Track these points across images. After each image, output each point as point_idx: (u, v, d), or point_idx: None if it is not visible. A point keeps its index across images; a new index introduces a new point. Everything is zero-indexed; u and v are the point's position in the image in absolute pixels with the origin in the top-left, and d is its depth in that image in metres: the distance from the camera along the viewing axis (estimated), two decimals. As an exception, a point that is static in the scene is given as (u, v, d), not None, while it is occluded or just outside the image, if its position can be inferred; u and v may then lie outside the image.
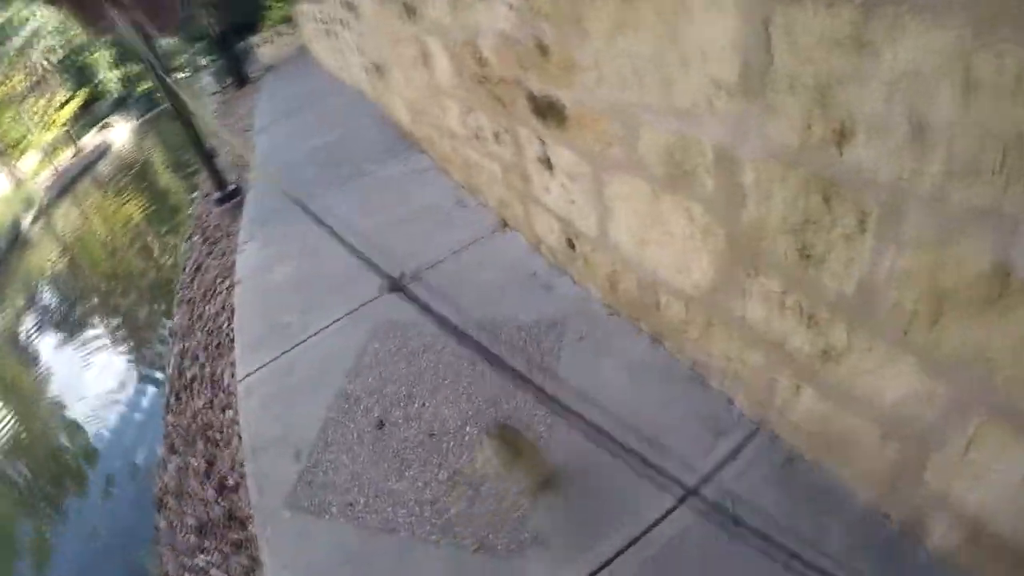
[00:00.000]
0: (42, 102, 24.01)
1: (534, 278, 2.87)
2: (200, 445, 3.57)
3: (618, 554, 1.78)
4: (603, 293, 2.56)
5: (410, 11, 3.42)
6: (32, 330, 8.49)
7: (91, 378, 6.32)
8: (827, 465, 1.74)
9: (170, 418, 4.09)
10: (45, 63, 24.54)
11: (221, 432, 3.46)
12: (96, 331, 7.59)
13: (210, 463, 3.35)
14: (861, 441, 1.49)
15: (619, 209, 2.11)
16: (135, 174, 16.68)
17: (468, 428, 2.30)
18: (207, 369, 4.20)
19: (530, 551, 1.87)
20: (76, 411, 5.80)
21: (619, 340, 2.42)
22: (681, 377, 2.20)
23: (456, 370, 2.55)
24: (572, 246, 2.61)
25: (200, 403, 3.92)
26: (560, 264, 2.84)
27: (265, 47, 15.76)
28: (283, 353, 3.21)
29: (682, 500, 1.84)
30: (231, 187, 6.54)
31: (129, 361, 6.53)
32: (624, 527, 1.83)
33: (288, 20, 14.74)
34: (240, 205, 6.15)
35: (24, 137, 22.42)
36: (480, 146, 3.21)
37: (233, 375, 3.49)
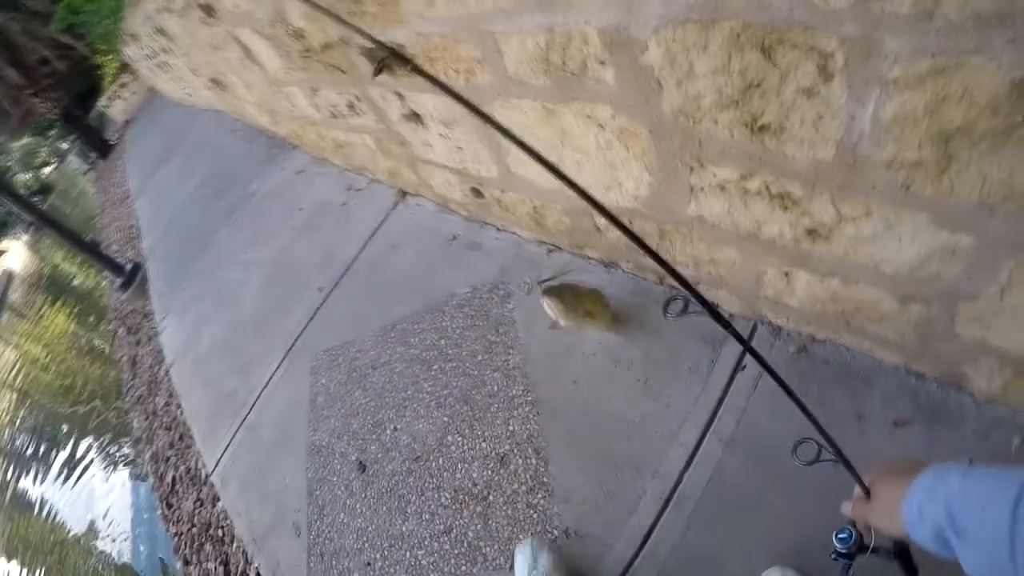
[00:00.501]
0: None
1: (456, 241, 2.52)
2: (208, 548, 3.29)
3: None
4: (532, 232, 2.22)
5: (209, 11, 2.92)
6: (12, 477, 8.06)
7: (85, 507, 6.01)
8: (843, 342, 1.55)
9: (171, 528, 3.78)
10: None
11: (221, 527, 3.19)
12: (73, 458, 7.17)
13: (225, 563, 3.09)
14: (878, 309, 1.30)
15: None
16: (47, 288, 15.67)
17: (449, 437, 2.02)
18: (181, 467, 3.88)
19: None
20: (85, 546, 5.50)
21: (569, 277, 2.11)
22: (653, 297, 1.91)
23: (413, 377, 2.24)
24: (480, 194, 2.25)
25: (190, 504, 3.61)
26: (477, 216, 2.49)
27: (115, 104, 14.44)
28: (240, 425, 2.89)
29: (701, 438, 1.62)
30: (128, 267, 5.98)
31: (114, 479, 6.17)
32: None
33: (126, 68, 13.43)
34: (144, 281, 5.65)
35: None
36: (342, 123, 2.77)
37: (205, 466, 3.18)
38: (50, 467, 7.37)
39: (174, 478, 3.85)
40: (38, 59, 13.25)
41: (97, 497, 5.98)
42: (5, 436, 9.81)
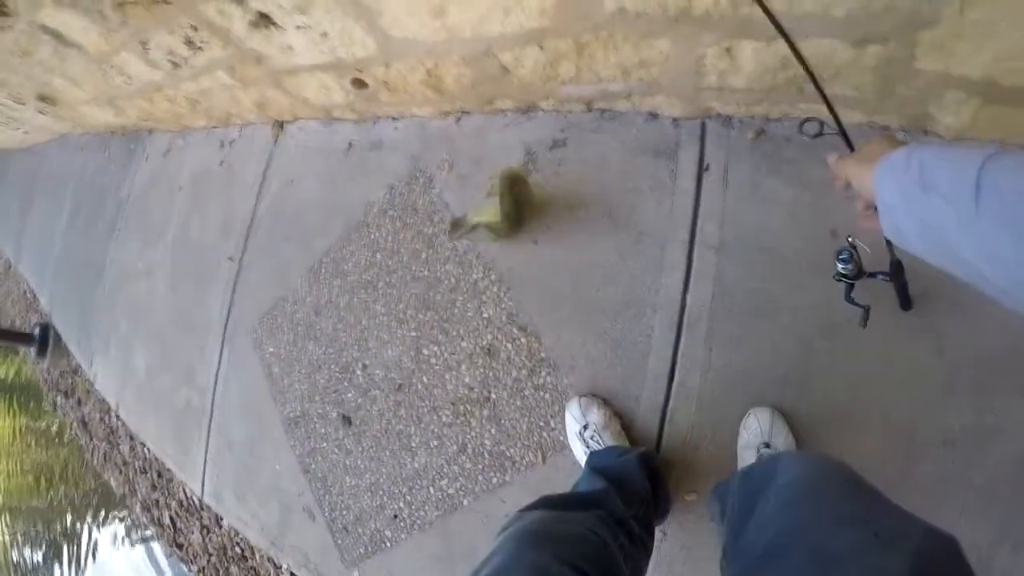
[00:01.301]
0: None
1: (353, 149, 2.19)
2: (235, 570, 3.10)
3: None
4: (432, 105, 1.92)
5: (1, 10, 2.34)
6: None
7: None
8: (800, 114, 1.40)
9: (192, 567, 3.56)
10: None
11: (237, 545, 2.98)
12: (79, 548, 6.81)
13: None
14: (832, 63, 1.18)
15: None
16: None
17: (425, 351, 1.80)
18: (173, 503, 3.62)
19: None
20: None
21: (485, 139, 1.84)
22: (586, 127, 1.67)
23: (363, 305, 1.98)
24: (363, 83, 1.91)
25: (197, 535, 3.38)
26: (367, 114, 2.15)
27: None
28: (208, 434, 2.62)
29: (690, 255, 1.46)
30: (36, 331, 5.40)
31: (124, 547, 5.86)
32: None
33: None
34: (57, 339, 5.12)
35: None
36: (187, 71, 2.33)
37: (193, 491, 2.94)
38: (62, 568, 7.06)
39: (171, 517, 3.60)
40: None
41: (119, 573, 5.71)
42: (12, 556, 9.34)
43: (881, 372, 1.25)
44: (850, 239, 1.02)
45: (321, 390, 2.06)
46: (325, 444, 2.04)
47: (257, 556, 2.74)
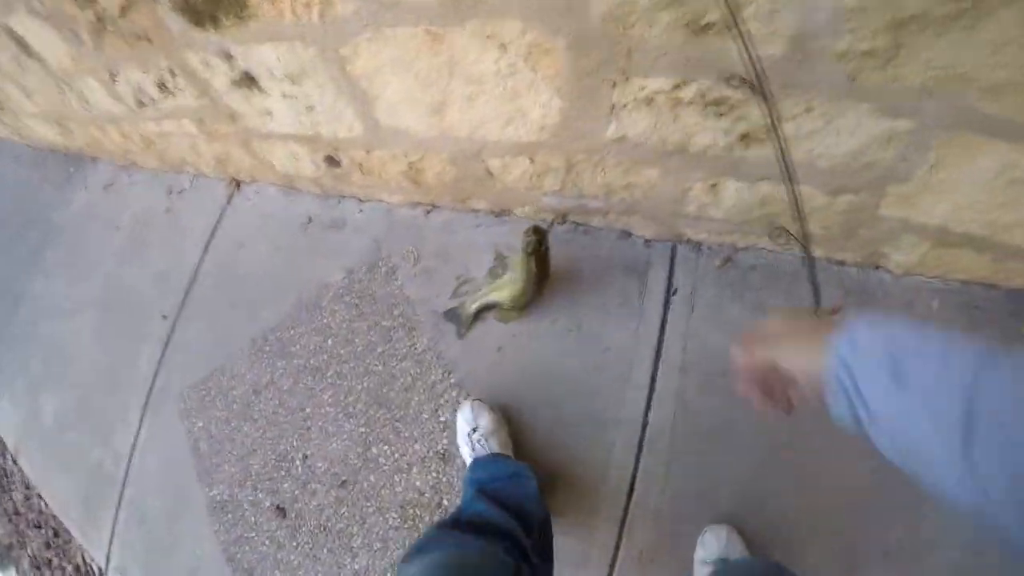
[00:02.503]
0: None
1: (313, 224, 2.12)
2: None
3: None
4: (405, 195, 1.88)
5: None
6: None
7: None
8: (765, 246, 1.51)
9: None
10: None
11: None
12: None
13: None
14: (808, 205, 1.27)
15: (383, 84, 1.41)
16: None
17: (374, 449, 1.71)
18: (68, 567, 3.28)
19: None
20: None
21: (455, 235, 1.82)
22: (561, 238, 1.68)
23: (308, 392, 1.88)
24: (335, 163, 1.86)
25: (93, 604, 3.05)
26: (333, 191, 2.09)
27: None
28: (119, 502, 2.40)
29: (654, 374, 1.49)
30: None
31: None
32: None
33: None
34: (-42, 364, 4.66)
35: None
36: (153, 111, 2.21)
37: (95, 560, 2.66)
38: None
39: (64, 580, 3.27)
40: None
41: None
42: None
43: (829, 487, 1.31)
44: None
45: (254, 476, 1.92)
46: (255, 534, 1.90)
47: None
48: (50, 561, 3.35)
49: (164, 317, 2.45)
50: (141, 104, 2.21)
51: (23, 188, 4.60)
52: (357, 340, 1.81)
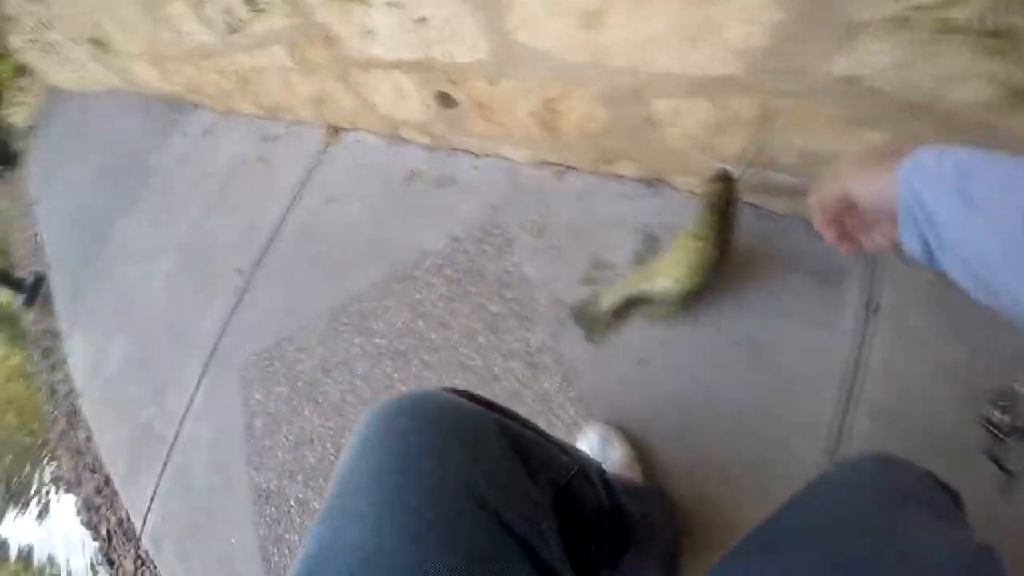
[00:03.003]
0: None
1: (417, 179, 1.78)
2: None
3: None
4: (532, 148, 1.51)
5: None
6: None
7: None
8: None
9: None
10: None
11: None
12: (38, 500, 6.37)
13: None
14: None
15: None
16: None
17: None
18: (113, 518, 3.14)
19: None
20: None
21: (592, 207, 1.42)
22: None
23: (386, 380, 1.53)
24: (450, 101, 1.51)
25: (130, 564, 2.89)
26: (444, 141, 1.74)
27: (17, 112, 12.80)
28: (164, 468, 2.17)
29: (846, 409, 1.00)
30: (29, 280, 5.05)
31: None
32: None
33: (23, 70, 11.78)
34: (48, 295, 4.75)
35: None
36: (243, 39, 1.96)
37: (134, 522, 2.48)
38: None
39: (109, 531, 3.14)
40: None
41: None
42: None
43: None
44: (1016, 384, 0.88)
45: (307, 470, 1.60)
46: (297, 538, 1.58)
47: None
48: (99, 508, 3.23)
49: (238, 271, 2.20)
50: (231, 29, 1.96)
51: (128, 134, 4.63)
52: (454, 325, 1.45)
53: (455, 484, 0.50)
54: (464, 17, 1.20)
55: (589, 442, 1.16)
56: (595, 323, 1.27)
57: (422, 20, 1.28)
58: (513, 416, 0.65)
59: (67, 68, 6.62)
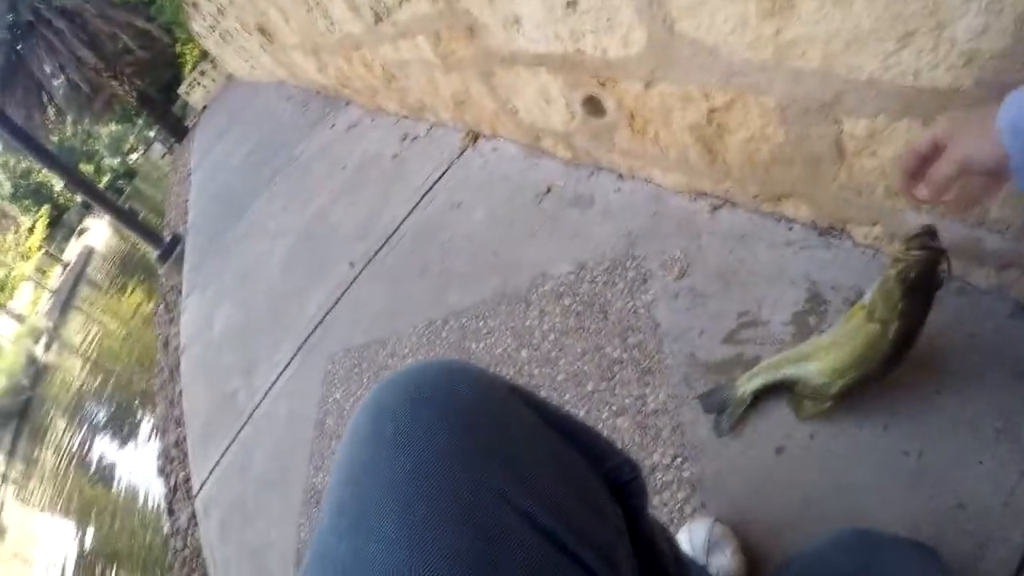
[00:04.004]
0: (10, 237, 23.67)
1: (551, 196, 1.63)
2: (197, 578, 2.56)
3: None
4: (689, 175, 1.31)
5: None
6: (82, 450, 7.93)
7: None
8: None
9: (177, 541, 3.10)
10: None
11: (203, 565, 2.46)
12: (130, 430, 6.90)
13: None
14: None
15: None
16: (121, 263, 16.09)
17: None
18: (181, 473, 3.21)
19: None
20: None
21: (749, 251, 1.19)
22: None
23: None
24: (598, 108, 1.36)
25: (184, 520, 2.91)
26: (586, 156, 1.59)
27: (195, 92, 14.50)
28: (233, 439, 2.14)
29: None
30: (167, 239, 5.49)
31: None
32: None
33: (205, 56, 13.39)
34: (181, 255, 5.11)
35: (8, 276, 22.17)
36: (389, 28, 1.95)
37: (192, 485, 2.47)
38: (105, 438, 7.24)
39: (175, 484, 3.22)
40: (121, 47, 13.47)
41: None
42: (76, 405, 9.83)
43: None
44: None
45: (368, 485, 1.45)
46: (340, 556, 1.41)
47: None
48: (174, 459, 3.33)
49: (351, 265, 2.16)
50: (378, 18, 1.94)
51: (283, 123, 4.96)
52: (562, 363, 1.25)
53: (505, 506, 0.38)
54: (619, 1, 1.03)
55: (692, 538, 0.92)
56: (729, 410, 1.02)
57: (573, 3, 1.13)
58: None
59: (241, 57, 7.32)
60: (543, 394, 1.24)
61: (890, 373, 0.86)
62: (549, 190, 1.61)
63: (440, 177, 2.06)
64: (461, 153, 2.06)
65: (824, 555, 0.62)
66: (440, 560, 0.35)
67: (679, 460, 1.04)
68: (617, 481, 0.51)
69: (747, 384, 1.00)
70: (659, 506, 1.03)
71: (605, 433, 1.14)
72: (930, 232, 0.76)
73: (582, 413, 1.18)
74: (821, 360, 0.90)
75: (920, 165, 0.59)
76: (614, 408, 1.15)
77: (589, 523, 0.43)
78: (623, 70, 1.18)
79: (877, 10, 0.70)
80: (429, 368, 0.46)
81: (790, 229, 1.18)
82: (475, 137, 2.04)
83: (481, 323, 1.47)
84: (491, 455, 0.41)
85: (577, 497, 0.44)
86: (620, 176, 1.50)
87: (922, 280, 0.77)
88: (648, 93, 1.18)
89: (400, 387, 0.44)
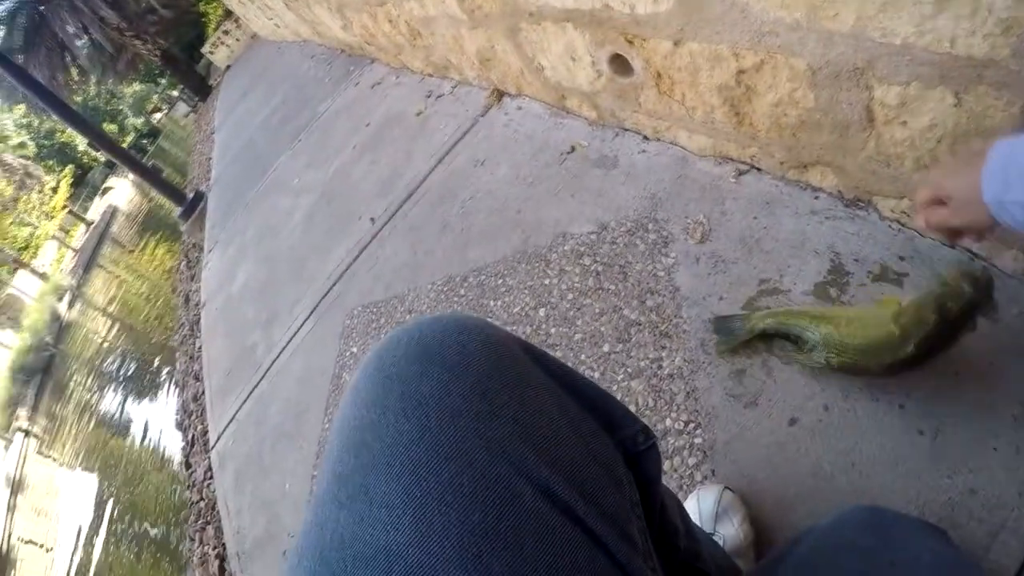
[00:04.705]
0: (35, 196, 24.03)
1: (574, 155, 1.60)
2: (211, 531, 2.65)
3: None
4: (715, 137, 1.27)
5: None
6: (101, 403, 8.26)
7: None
8: None
9: (193, 494, 3.19)
10: (22, 160, 24.49)
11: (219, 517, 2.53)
12: (152, 384, 7.10)
13: (221, 558, 2.43)
14: None
15: None
16: (144, 222, 16.30)
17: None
18: (199, 427, 3.28)
19: None
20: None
21: (773, 218, 1.16)
22: (935, 268, 0.94)
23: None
24: (625, 67, 1.32)
25: (201, 473, 2.98)
26: (611, 117, 1.55)
27: (218, 51, 14.43)
28: (250, 393, 2.18)
29: None
30: (190, 196, 5.52)
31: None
32: None
33: (229, 15, 13.31)
34: (204, 212, 5.15)
35: (32, 235, 22.56)
36: None
37: (209, 438, 2.53)
38: (126, 393, 7.45)
39: (193, 437, 3.30)
40: (145, 6, 13.42)
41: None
42: (98, 361, 10.10)
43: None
44: None
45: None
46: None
47: (225, 547, 2.25)
48: (191, 413, 3.41)
49: (372, 220, 2.15)
50: None
51: (306, 81, 4.91)
52: (579, 323, 1.24)
53: (518, 474, 0.36)
54: None
55: (701, 505, 0.92)
56: (732, 337, 1.02)
57: None
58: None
59: (265, 16, 7.23)
60: (559, 354, 1.24)
61: (883, 377, 0.85)
62: (573, 149, 1.58)
63: (464, 135, 2.03)
64: (486, 111, 2.02)
65: (838, 531, 0.61)
66: (447, 533, 0.33)
67: (692, 426, 1.03)
68: (633, 450, 0.49)
69: (762, 321, 0.99)
70: (669, 471, 1.03)
71: (619, 396, 1.14)
72: (987, 279, 0.76)
73: (597, 374, 1.17)
74: (833, 329, 0.88)
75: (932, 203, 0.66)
76: (629, 370, 1.14)
77: (606, 495, 0.40)
78: (652, 27, 1.14)
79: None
80: (437, 324, 0.43)
81: (816, 198, 1.14)
82: (500, 95, 2.00)
83: (500, 280, 1.46)
84: (505, 420, 0.38)
85: (592, 465, 0.42)
86: (645, 138, 1.46)
87: (958, 318, 0.77)
88: (677, 52, 1.14)
89: (407, 345, 0.41)
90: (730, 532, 0.89)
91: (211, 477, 2.60)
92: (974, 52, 0.68)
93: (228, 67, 13.83)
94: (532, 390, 0.42)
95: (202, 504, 2.68)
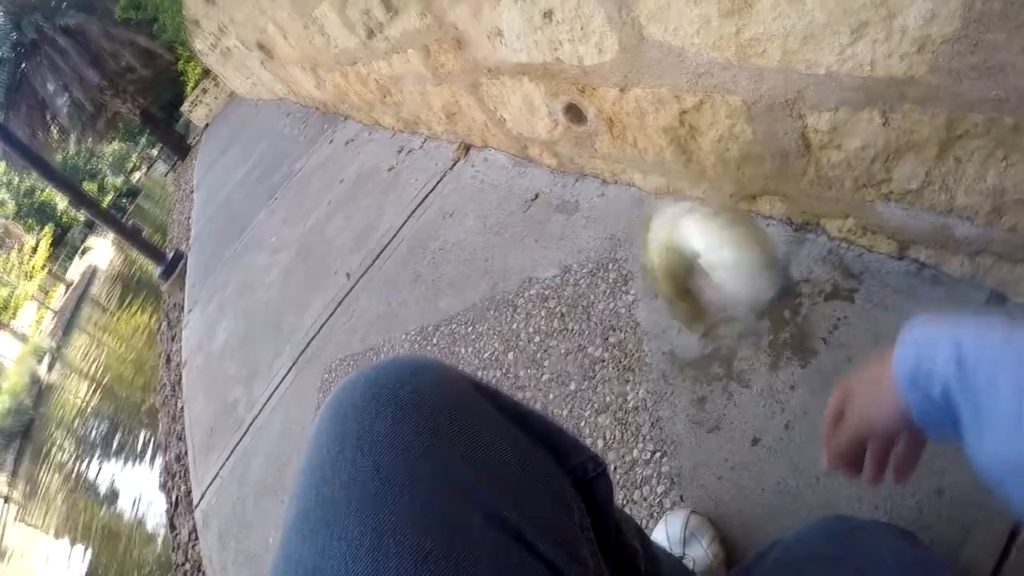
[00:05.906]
0: (14, 255, 23.84)
1: (537, 202, 1.68)
2: (197, 597, 2.59)
3: None
4: (667, 176, 1.35)
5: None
6: (83, 467, 8.15)
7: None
8: None
9: (179, 556, 3.12)
10: (1, 219, 24.40)
11: (205, 577, 2.48)
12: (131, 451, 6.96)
13: None
14: None
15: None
16: (124, 282, 16.19)
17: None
18: (183, 487, 3.24)
19: None
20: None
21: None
22: (888, 281, 1.02)
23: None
24: (579, 116, 1.41)
25: (186, 534, 2.93)
26: (570, 163, 1.64)
27: (197, 110, 14.64)
28: (233, 449, 2.17)
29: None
30: (170, 255, 5.54)
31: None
32: None
33: (207, 74, 13.56)
34: (184, 271, 5.16)
35: (12, 295, 22.29)
36: (381, 43, 2.01)
37: (193, 496, 2.50)
38: (108, 456, 7.30)
39: (177, 498, 3.24)
40: (124, 65, 13.66)
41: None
42: (79, 424, 9.89)
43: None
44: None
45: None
46: (336, 558, 1.45)
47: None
48: (175, 474, 3.36)
49: (347, 276, 2.21)
50: (371, 33, 2.01)
51: (283, 138, 5.04)
52: (546, 364, 1.30)
53: (468, 503, 0.39)
54: (592, 9, 1.08)
55: (669, 530, 0.95)
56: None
57: (549, 14, 1.19)
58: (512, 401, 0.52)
59: (242, 75, 7.43)
60: (528, 395, 1.29)
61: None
62: (536, 197, 1.66)
63: (434, 188, 2.11)
64: (454, 164, 2.11)
65: (804, 540, 0.63)
66: (403, 561, 0.35)
67: (658, 455, 1.08)
68: (583, 477, 0.51)
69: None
70: (639, 500, 1.06)
71: (587, 431, 1.18)
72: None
73: (565, 412, 1.22)
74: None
75: (834, 430, 0.52)
76: (596, 406, 1.18)
77: (553, 519, 0.42)
78: (599, 76, 1.23)
79: (829, 4, 0.74)
80: (392, 366, 0.46)
81: (768, 226, 1.22)
82: (467, 148, 2.09)
83: (470, 328, 1.51)
84: (454, 452, 0.41)
85: (541, 493, 0.44)
86: (604, 181, 1.55)
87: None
88: (623, 98, 1.23)
89: (364, 386, 0.44)
90: (699, 554, 0.92)
91: (196, 538, 2.56)
92: (894, 72, 0.74)
93: (207, 125, 14.01)
94: (482, 425, 0.44)
95: (187, 566, 2.63)
